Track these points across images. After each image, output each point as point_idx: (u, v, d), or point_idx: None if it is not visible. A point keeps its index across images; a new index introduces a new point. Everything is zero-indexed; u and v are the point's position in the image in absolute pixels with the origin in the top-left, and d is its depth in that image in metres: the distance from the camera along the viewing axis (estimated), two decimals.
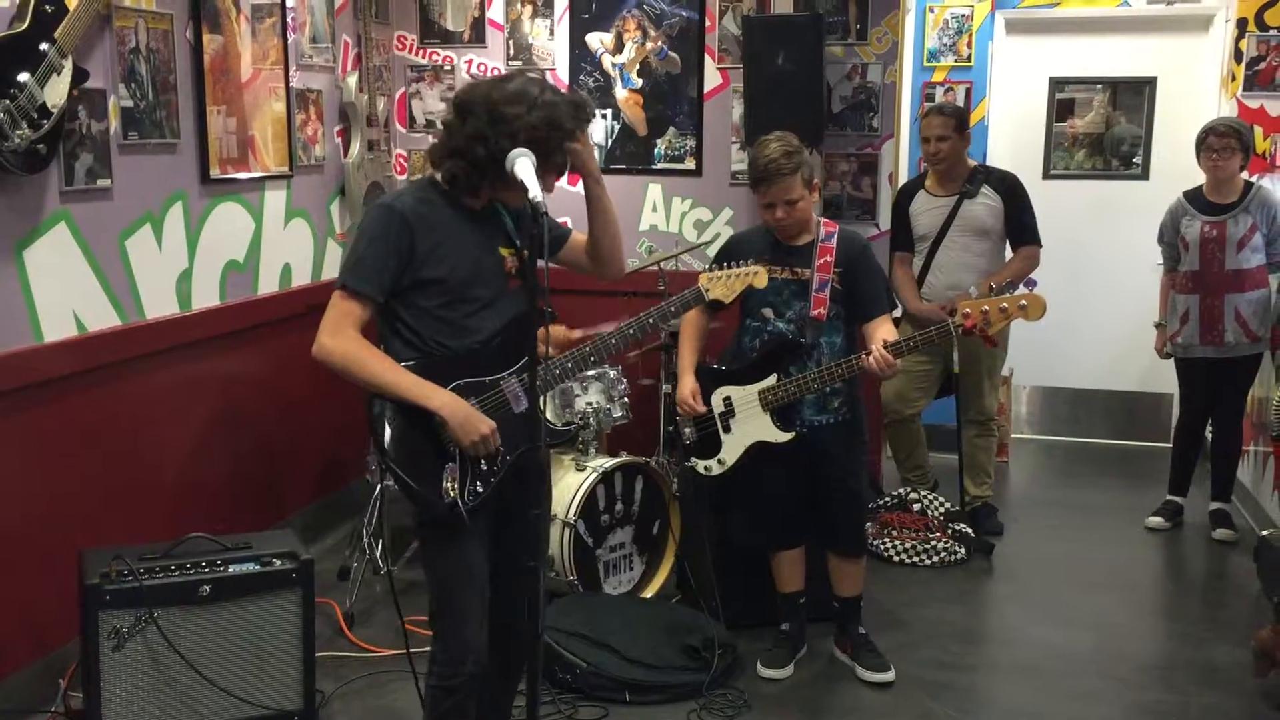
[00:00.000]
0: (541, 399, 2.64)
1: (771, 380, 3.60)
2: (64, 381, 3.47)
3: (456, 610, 2.66)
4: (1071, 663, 3.92)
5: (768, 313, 3.67)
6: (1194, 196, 5.03)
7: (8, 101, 3.05)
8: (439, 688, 2.67)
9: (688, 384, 3.72)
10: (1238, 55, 5.96)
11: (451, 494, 2.59)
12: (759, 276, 3.18)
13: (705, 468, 3.77)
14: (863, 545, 3.92)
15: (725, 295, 3.19)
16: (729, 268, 3.17)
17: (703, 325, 3.84)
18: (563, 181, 2.77)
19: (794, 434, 3.61)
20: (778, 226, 3.63)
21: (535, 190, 2.38)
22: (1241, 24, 5.94)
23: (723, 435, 3.71)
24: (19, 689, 3.34)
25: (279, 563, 3.13)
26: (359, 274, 2.58)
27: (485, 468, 2.63)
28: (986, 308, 3.34)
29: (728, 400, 3.69)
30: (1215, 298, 4.91)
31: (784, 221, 3.59)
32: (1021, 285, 3.51)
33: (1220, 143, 4.85)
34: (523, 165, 2.44)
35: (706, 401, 3.71)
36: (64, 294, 3.48)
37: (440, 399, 2.57)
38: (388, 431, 2.61)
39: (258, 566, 3.11)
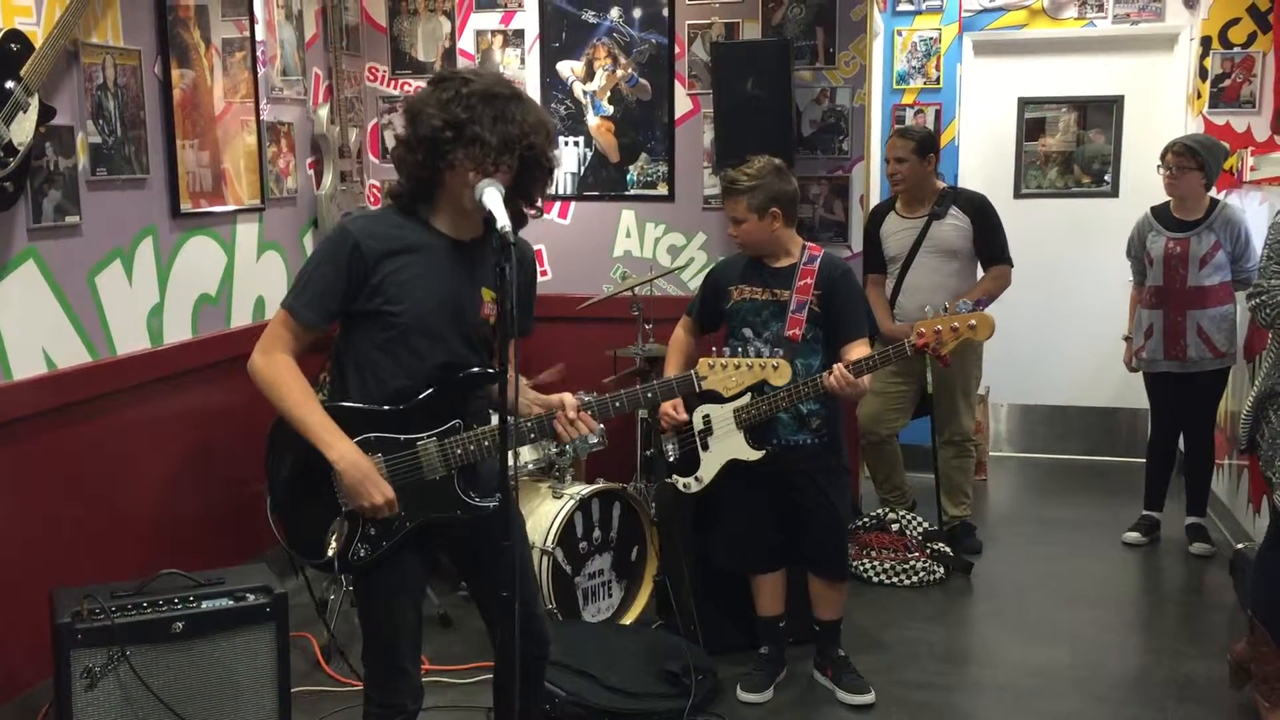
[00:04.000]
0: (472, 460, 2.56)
1: (746, 399, 3.62)
2: (34, 420, 3.45)
3: (398, 666, 2.62)
4: (1050, 680, 3.93)
5: (747, 332, 3.70)
6: (1160, 212, 5.07)
7: None
8: None
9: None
10: (1202, 73, 6.04)
11: (331, 551, 2.52)
12: (779, 372, 2.89)
13: (684, 485, 3.80)
14: (845, 570, 3.92)
15: (726, 389, 2.84)
16: (741, 354, 2.84)
17: (689, 345, 3.90)
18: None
19: (764, 452, 3.63)
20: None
21: (503, 220, 2.30)
22: (1205, 42, 6.02)
23: (701, 453, 3.74)
24: None
25: (252, 597, 3.11)
26: (302, 298, 2.50)
27: (375, 532, 2.53)
28: (939, 327, 3.37)
29: (707, 418, 3.71)
30: (1178, 314, 4.95)
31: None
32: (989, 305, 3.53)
33: (1176, 161, 4.90)
34: (490, 195, 2.36)
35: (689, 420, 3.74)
36: (33, 331, 3.46)
37: (339, 451, 2.45)
38: (281, 470, 2.57)
39: (231, 602, 3.08)
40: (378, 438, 2.52)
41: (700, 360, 2.86)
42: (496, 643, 2.76)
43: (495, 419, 2.57)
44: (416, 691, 2.66)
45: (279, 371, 2.50)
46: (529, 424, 2.63)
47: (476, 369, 2.57)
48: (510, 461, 2.32)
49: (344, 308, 2.50)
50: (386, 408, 2.53)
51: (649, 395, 2.83)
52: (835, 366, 3.44)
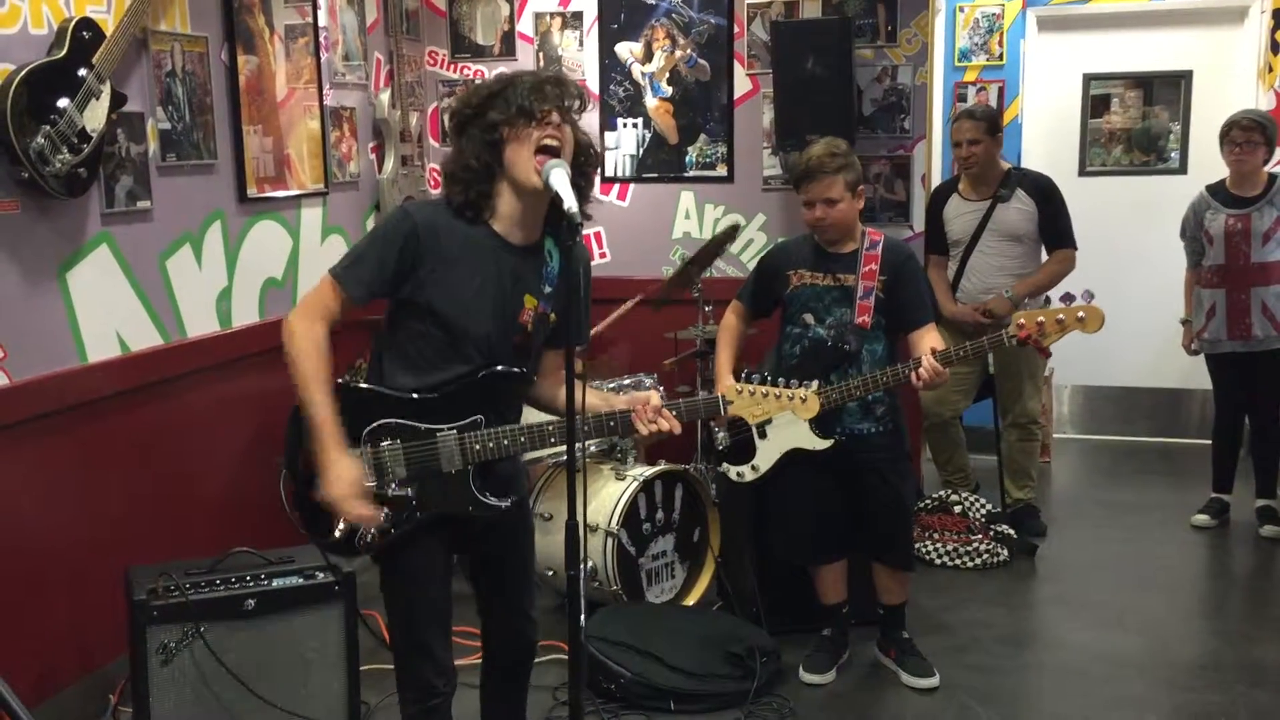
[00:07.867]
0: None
1: (814, 385, 3.57)
2: (108, 401, 3.52)
3: (422, 643, 2.63)
4: (1117, 664, 3.88)
5: (808, 318, 3.65)
6: (1217, 190, 4.99)
7: (48, 127, 3.11)
8: (420, 713, 2.66)
9: (723, 387, 3.71)
10: (1274, 46, 5.90)
11: (338, 533, 2.51)
12: (806, 405, 2.68)
13: (738, 474, 3.76)
14: (911, 559, 3.87)
15: (753, 416, 2.71)
16: (770, 384, 2.68)
17: (740, 331, 3.83)
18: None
19: (832, 441, 3.59)
20: (817, 228, 3.61)
21: (570, 202, 2.29)
22: (1277, 15, 5.88)
23: (757, 441, 3.70)
24: (70, 705, 3.39)
25: (321, 576, 3.16)
26: (352, 270, 2.48)
27: (384, 518, 2.50)
28: (1042, 319, 3.28)
29: None
30: (1241, 291, 4.86)
31: (822, 221, 3.57)
32: (1054, 292, 3.45)
33: (1243, 136, 4.82)
34: (557, 176, 2.36)
35: None
36: (107, 315, 3.53)
37: (328, 461, 2.40)
38: (299, 446, 2.51)
39: (301, 580, 3.14)
40: (398, 424, 2.50)
41: (728, 386, 2.77)
42: (489, 645, 2.84)
43: (524, 420, 2.59)
44: (447, 671, 2.65)
45: (305, 344, 2.44)
46: (598, 420, 2.56)
47: (502, 367, 2.54)
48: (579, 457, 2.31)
49: (390, 291, 2.48)
50: (413, 395, 2.51)
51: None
52: (923, 359, 3.35)
